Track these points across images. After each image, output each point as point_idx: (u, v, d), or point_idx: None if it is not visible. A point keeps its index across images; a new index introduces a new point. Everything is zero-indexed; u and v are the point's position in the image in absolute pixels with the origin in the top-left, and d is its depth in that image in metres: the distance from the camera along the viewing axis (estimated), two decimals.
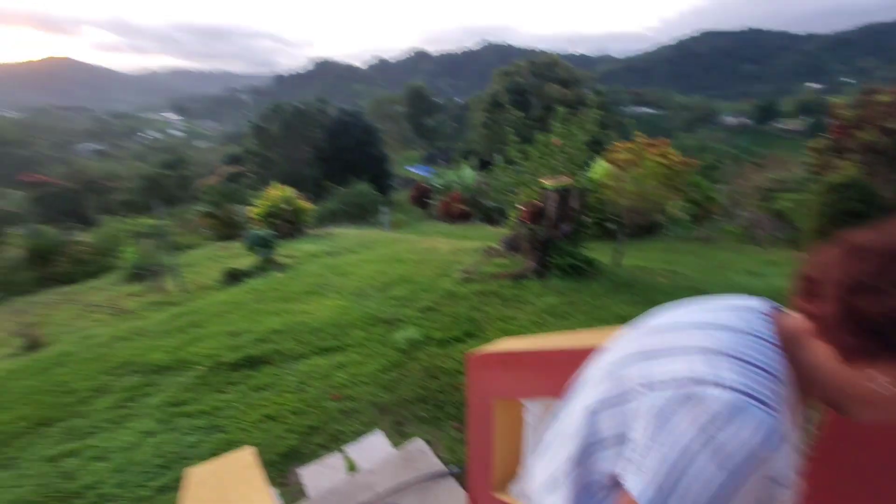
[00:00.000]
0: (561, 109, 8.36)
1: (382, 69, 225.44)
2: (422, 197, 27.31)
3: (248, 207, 14.62)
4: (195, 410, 4.05)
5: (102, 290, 9.08)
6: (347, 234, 12.82)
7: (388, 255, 8.82)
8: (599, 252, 7.75)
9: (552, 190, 6.62)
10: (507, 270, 6.75)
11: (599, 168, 8.53)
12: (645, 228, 13.42)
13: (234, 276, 8.57)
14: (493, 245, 7.92)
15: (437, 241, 10.01)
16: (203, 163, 51.95)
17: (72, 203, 41.47)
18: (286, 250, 10.26)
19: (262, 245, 9.27)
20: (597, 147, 10.53)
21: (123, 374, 4.83)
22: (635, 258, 9.33)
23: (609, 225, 8.72)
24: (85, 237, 13.85)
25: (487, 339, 4.63)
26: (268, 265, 9.14)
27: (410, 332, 4.98)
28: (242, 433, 3.70)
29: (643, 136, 8.96)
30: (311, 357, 4.82)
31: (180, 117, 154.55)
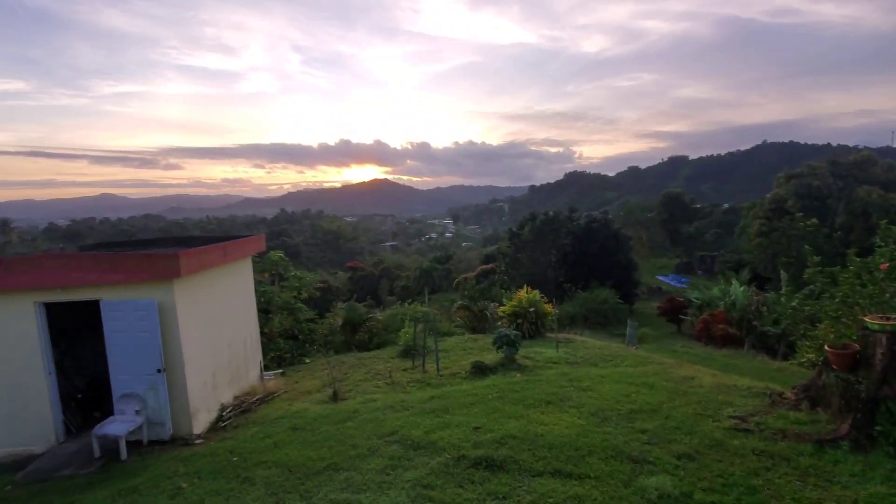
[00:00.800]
0: (883, 222, 6.41)
1: (634, 176, 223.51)
2: (674, 311, 24.41)
3: (498, 305, 15.93)
4: (438, 498, 4.32)
5: (383, 361, 11.16)
6: (588, 343, 12.33)
7: (634, 375, 8.00)
8: None
9: (879, 331, 4.93)
10: (804, 430, 5.13)
11: None
12: None
13: (480, 370, 9.22)
14: (780, 389, 6.23)
15: (697, 369, 8.55)
16: (465, 260, 60.36)
17: (373, 285, 54.14)
18: (527, 351, 10.51)
19: (507, 344, 9.79)
20: None
21: (391, 443, 5.64)
22: None
23: None
24: (378, 314, 17.66)
25: None
26: (510, 364, 9.53)
27: (662, 481, 4.22)
28: None
29: None
30: (546, 476, 4.61)
31: (453, 222, 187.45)
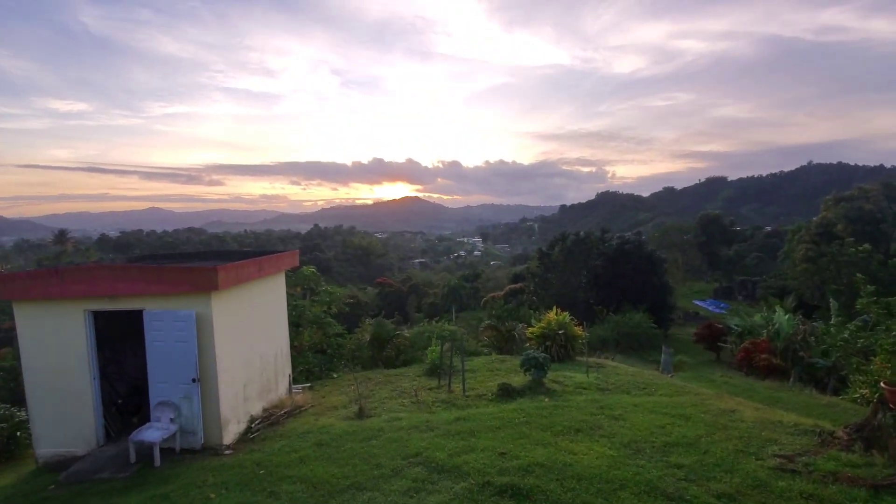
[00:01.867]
0: None
1: (669, 197, 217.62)
2: (712, 337, 23.32)
3: (526, 326, 15.67)
4: None
5: (409, 379, 11.10)
6: (620, 368, 11.92)
7: (669, 406, 7.66)
8: None
9: None
10: (858, 473, 4.74)
11: None
12: None
13: (507, 392, 9.04)
14: (830, 428, 5.81)
15: (738, 401, 8.10)
16: (493, 278, 59.94)
17: (401, 301, 54.47)
18: (555, 375, 10.26)
19: (535, 366, 9.59)
20: None
21: (415, 464, 5.57)
22: None
23: None
24: (405, 331, 17.70)
25: None
26: (538, 387, 9.31)
27: None
28: None
29: None
30: None
31: (482, 241, 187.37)
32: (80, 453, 7.22)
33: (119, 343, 8.87)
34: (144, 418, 7.57)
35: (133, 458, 6.69)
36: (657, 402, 8.03)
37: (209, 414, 7.11)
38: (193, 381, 6.99)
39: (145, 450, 6.74)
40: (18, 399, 10.26)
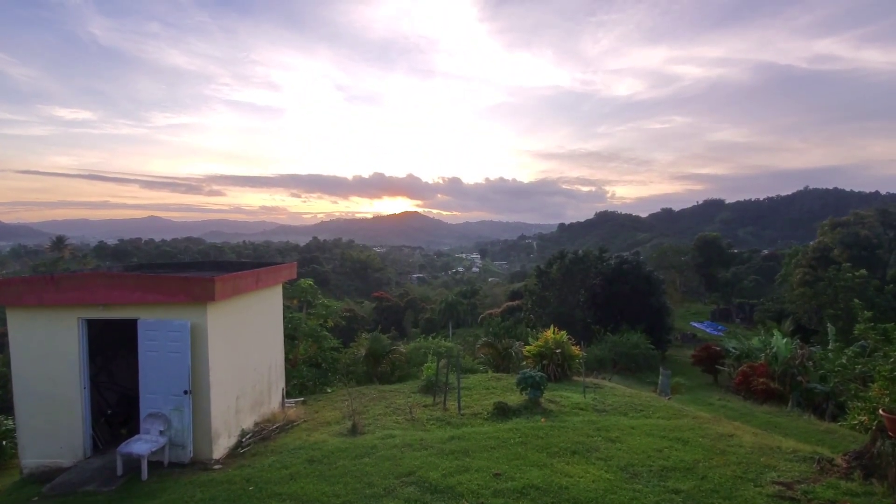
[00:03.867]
0: None
1: (667, 218, 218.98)
2: (710, 360, 23.16)
3: (523, 344, 15.56)
4: None
5: (404, 396, 10.95)
6: (617, 389, 11.79)
7: (667, 428, 7.57)
8: None
9: None
10: (858, 503, 4.67)
11: None
12: None
13: (503, 411, 8.92)
14: (829, 455, 5.74)
15: (736, 426, 8.00)
16: (491, 295, 59.79)
17: (398, 316, 54.22)
18: (552, 394, 10.14)
19: (531, 385, 9.48)
20: None
21: (407, 484, 5.46)
22: None
23: None
24: (401, 347, 17.57)
25: None
26: (534, 407, 9.19)
27: None
28: None
29: None
30: None
31: (480, 257, 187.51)
32: (66, 464, 7.06)
33: (111, 352, 8.76)
34: (134, 430, 7.43)
35: (120, 470, 6.55)
36: (654, 424, 7.93)
37: (200, 427, 6.99)
38: (185, 393, 6.89)
39: (133, 462, 6.60)
40: (7, 407, 10.09)
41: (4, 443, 8.92)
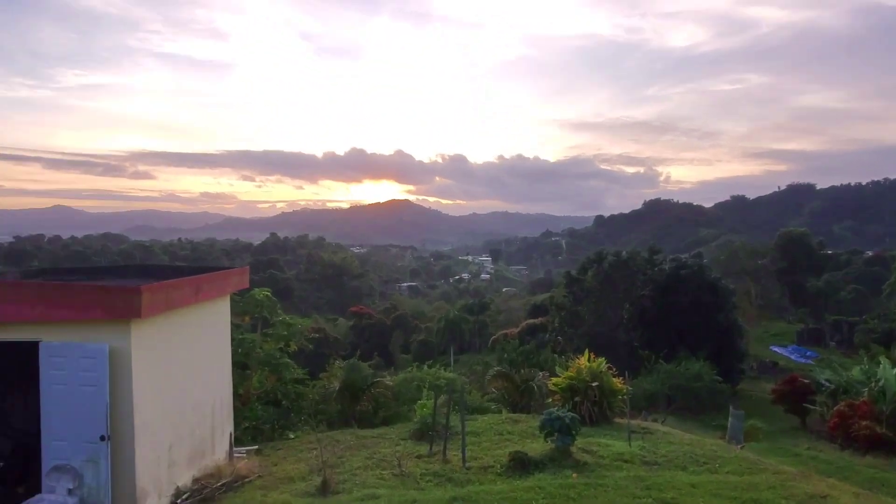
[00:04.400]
0: None
1: (739, 208, 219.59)
2: (795, 397, 23.27)
3: (548, 375, 15.62)
4: None
5: (391, 443, 11.03)
6: (673, 435, 11.87)
7: (739, 488, 7.64)
8: None
9: None
10: None
11: None
12: None
13: (522, 464, 9.00)
14: None
15: (831, 484, 8.08)
16: (505, 310, 60.10)
17: (383, 338, 54.45)
18: (586, 441, 10.25)
19: (560, 430, 9.54)
20: None
21: None
22: None
23: None
24: (387, 378, 17.66)
25: None
26: (563, 458, 9.27)
27: None
28: None
29: None
30: None
31: (492, 260, 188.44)
32: None
33: (2, 386, 8.78)
34: (34, 488, 7.44)
35: None
36: (723, 482, 7.99)
37: (121, 484, 7.00)
38: (102, 439, 6.90)
39: None
40: None
41: None
